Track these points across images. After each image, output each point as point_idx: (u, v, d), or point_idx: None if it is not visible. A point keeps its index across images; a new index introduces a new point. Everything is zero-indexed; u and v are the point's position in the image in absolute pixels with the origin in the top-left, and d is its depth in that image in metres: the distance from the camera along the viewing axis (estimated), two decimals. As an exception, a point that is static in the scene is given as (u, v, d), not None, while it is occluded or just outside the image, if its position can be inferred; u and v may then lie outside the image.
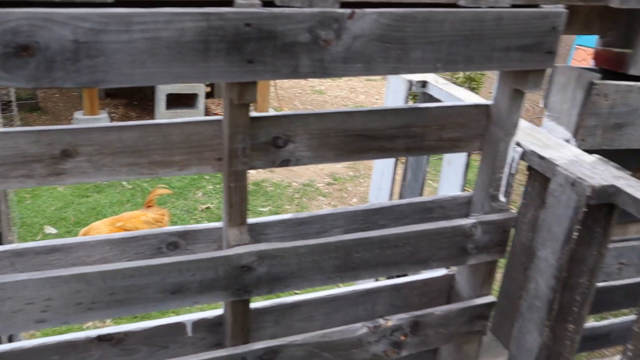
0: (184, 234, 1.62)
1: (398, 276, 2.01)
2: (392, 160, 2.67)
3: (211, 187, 5.45)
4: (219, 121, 1.46)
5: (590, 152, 1.79)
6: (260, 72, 1.29)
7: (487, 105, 1.73)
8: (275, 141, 1.53)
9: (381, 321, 1.77)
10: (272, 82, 7.93)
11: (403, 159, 2.88)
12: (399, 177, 2.84)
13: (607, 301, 2.37)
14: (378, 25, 1.34)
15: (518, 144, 1.77)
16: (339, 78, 10.84)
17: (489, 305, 1.90)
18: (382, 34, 1.36)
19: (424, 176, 2.70)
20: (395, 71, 1.41)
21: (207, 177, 5.61)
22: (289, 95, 9.25)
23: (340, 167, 6.26)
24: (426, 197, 1.85)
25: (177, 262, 1.43)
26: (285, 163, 1.58)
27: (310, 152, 1.58)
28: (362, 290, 1.88)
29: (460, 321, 1.88)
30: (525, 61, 1.53)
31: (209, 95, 7.74)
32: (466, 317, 1.88)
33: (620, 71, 1.88)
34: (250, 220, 1.62)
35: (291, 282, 1.58)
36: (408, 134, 1.67)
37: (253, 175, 5.85)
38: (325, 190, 5.71)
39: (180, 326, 1.68)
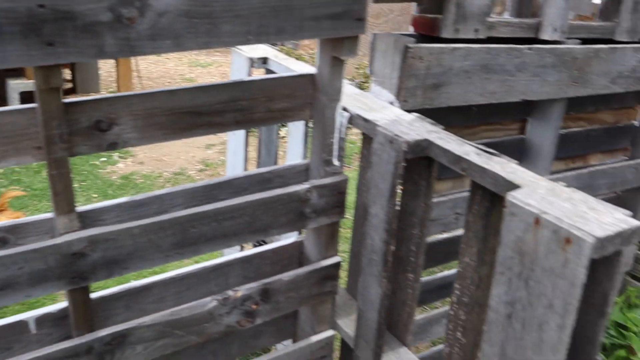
0: (12, 229, 1.56)
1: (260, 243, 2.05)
2: (242, 139, 2.70)
3: (77, 185, 5.24)
4: (32, 109, 1.42)
5: (413, 112, 1.91)
6: (62, 54, 1.27)
7: (312, 75, 1.79)
8: (98, 125, 1.51)
9: (230, 293, 1.80)
10: (135, 72, 7.69)
11: (255, 136, 2.92)
12: (255, 155, 2.89)
13: (452, 251, 2.55)
14: (182, 1, 1.36)
15: (345, 109, 1.86)
16: (194, 65, 10.69)
17: (336, 265, 1.99)
18: (188, 9, 1.37)
19: (276, 151, 2.76)
20: (207, 45, 1.44)
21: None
22: (157, 86, 9.01)
23: (211, 153, 6.22)
24: (264, 168, 1.90)
25: (0, 256, 1.39)
26: (112, 146, 1.56)
27: (137, 134, 1.57)
28: (212, 265, 1.90)
29: (309, 284, 1.96)
30: (337, 29, 1.61)
31: (70, 91, 7.39)
32: (315, 279, 1.96)
33: (434, 35, 2.01)
34: (83, 207, 1.60)
35: (129, 264, 1.58)
36: (236, 108, 1.70)
37: (121, 169, 5.68)
38: (198, 177, 5.66)
39: (22, 324, 1.62)
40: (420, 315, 2.55)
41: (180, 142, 6.46)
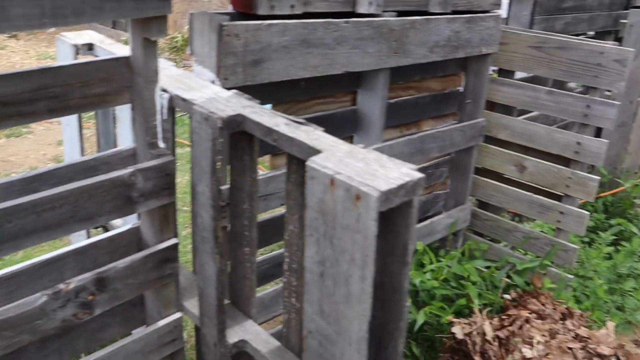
0: None
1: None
2: (76, 130, 2.62)
3: None
4: None
5: (236, 89, 1.94)
6: None
7: (126, 57, 1.77)
8: None
9: (61, 286, 1.76)
10: (-27, 70, 7.15)
11: (92, 126, 2.84)
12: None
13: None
14: (-39, -16, 1.30)
15: (165, 90, 1.86)
16: (44, 58, 10.14)
17: (173, 247, 2.00)
18: (-30, -7, 1.31)
19: (114, 139, 2.70)
20: (-3, 31, 1.38)
21: None
22: None
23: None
24: (88, 156, 1.86)
25: None
26: None
27: None
28: (43, 261, 1.85)
29: (147, 268, 1.95)
30: (141, 9, 1.60)
31: None
32: (152, 263, 1.96)
33: (251, 12, 2.06)
34: None
35: (-62, 266, 1.50)
36: (48, 96, 1.65)
37: (-38, 173, 5.29)
38: (50, 175, 5.39)
39: None
40: (272, 287, 2.63)
41: (29, 140, 6.12)
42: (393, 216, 1.38)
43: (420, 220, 3.34)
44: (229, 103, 1.74)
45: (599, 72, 3.04)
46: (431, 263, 3.21)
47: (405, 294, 1.47)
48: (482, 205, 3.86)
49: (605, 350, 2.55)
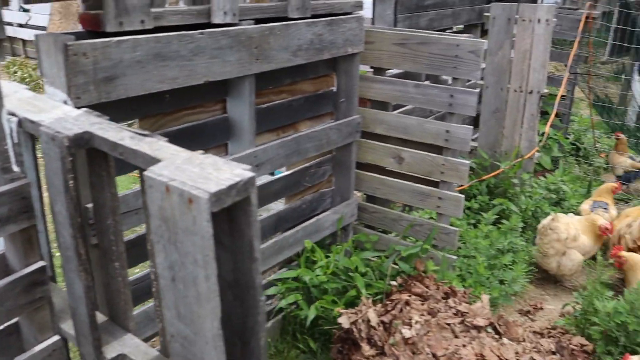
0: None
1: None
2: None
3: None
4: None
5: (92, 107, 1.95)
6: None
7: (-34, 84, 1.75)
8: None
9: None
10: None
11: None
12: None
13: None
14: None
15: (13, 114, 1.85)
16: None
17: (41, 270, 1.98)
18: None
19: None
20: None
21: None
22: None
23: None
24: (-62, 187, 1.82)
25: None
26: None
27: None
28: None
29: (14, 294, 1.93)
30: (-29, 35, 1.60)
31: None
32: (19, 288, 1.94)
33: (100, 30, 2.07)
34: None
35: None
36: None
37: None
38: None
39: None
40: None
41: None
42: (236, 215, 1.44)
43: (307, 219, 3.44)
44: (77, 121, 1.76)
45: (457, 63, 3.24)
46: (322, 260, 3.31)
47: (258, 289, 1.54)
48: (370, 198, 4.01)
49: (480, 321, 2.73)
